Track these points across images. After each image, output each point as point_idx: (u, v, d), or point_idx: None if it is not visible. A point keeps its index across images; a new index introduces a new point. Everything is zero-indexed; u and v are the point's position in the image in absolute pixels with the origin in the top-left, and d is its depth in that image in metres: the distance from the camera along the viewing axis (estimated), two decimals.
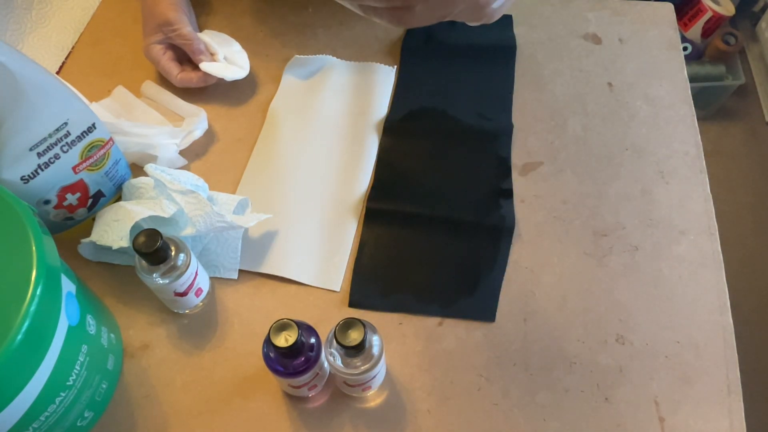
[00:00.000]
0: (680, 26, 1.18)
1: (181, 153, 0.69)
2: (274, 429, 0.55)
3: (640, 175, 0.68)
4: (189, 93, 0.73)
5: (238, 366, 0.58)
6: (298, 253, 0.63)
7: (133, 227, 0.56)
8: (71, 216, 0.60)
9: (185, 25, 0.70)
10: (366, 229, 0.65)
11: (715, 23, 1.62)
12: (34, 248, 0.44)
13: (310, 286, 0.62)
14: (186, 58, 0.73)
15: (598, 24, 0.81)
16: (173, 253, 0.53)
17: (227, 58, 0.73)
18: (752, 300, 1.40)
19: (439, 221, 0.65)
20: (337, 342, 0.46)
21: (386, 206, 0.66)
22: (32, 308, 0.42)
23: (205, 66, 0.70)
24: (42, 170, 0.54)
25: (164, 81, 0.74)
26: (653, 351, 0.58)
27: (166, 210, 0.57)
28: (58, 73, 0.76)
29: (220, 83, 0.72)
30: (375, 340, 0.50)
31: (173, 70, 0.71)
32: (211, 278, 0.62)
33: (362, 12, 0.47)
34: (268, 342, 0.49)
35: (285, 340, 0.47)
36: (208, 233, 0.60)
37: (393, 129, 0.71)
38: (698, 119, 0.73)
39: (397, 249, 0.64)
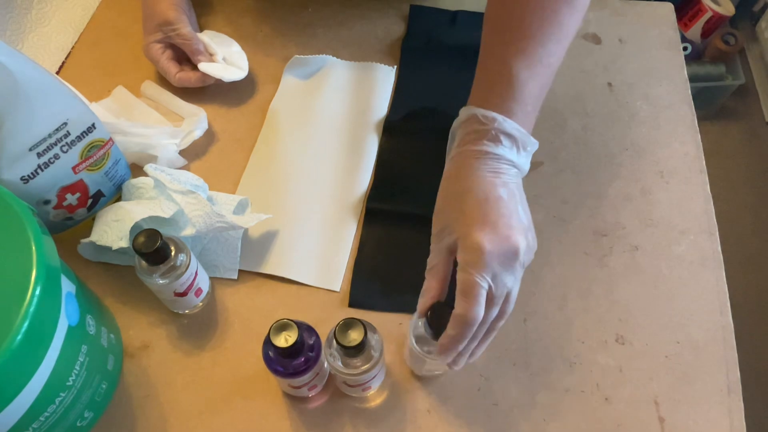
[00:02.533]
0: (680, 26, 1.18)
1: (181, 153, 0.69)
2: (274, 429, 0.55)
3: (640, 175, 0.68)
4: (189, 93, 0.73)
5: (238, 366, 0.58)
6: (298, 253, 0.63)
7: (133, 227, 0.56)
8: (71, 216, 0.60)
9: (185, 25, 0.70)
10: (366, 229, 0.65)
11: (715, 23, 1.62)
12: (34, 248, 0.44)
13: (310, 286, 0.62)
14: (185, 58, 0.73)
15: (598, 24, 0.81)
16: (173, 253, 0.53)
17: (226, 59, 0.73)
18: (752, 300, 1.40)
19: None
20: (337, 342, 0.46)
21: (386, 206, 0.66)
22: (32, 308, 0.42)
23: (204, 66, 0.70)
24: (42, 170, 0.54)
25: (164, 81, 0.74)
26: (653, 351, 0.58)
27: (165, 210, 0.57)
28: (58, 73, 0.76)
29: (220, 83, 0.72)
30: (375, 340, 0.50)
31: (172, 69, 0.71)
32: (211, 278, 0.62)
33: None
34: (268, 342, 0.49)
35: (285, 340, 0.47)
36: (208, 233, 0.60)
37: (393, 129, 0.71)
38: (698, 119, 0.73)
39: (397, 249, 0.64)
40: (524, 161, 0.53)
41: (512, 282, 0.49)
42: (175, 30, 0.70)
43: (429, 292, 0.51)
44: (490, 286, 0.48)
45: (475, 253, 0.47)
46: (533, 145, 0.53)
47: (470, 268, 0.47)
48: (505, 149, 0.51)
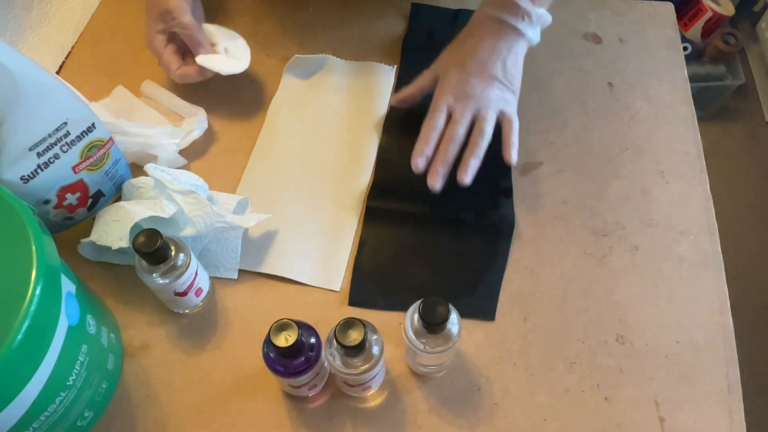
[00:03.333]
0: (680, 26, 1.18)
1: (181, 153, 0.69)
2: (274, 429, 0.55)
3: (640, 175, 0.68)
4: (189, 93, 0.73)
5: (238, 366, 0.58)
6: (298, 252, 0.63)
7: (133, 227, 0.56)
8: (71, 216, 0.60)
9: (185, 14, 0.68)
10: (366, 228, 0.65)
11: (715, 23, 1.62)
12: (34, 248, 0.44)
13: (310, 286, 0.62)
14: (189, 51, 0.71)
15: (598, 24, 0.81)
16: (173, 253, 0.53)
17: (228, 50, 0.71)
18: (752, 300, 1.40)
19: (439, 220, 0.65)
20: (337, 342, 0.46)
21: (386, 205, 0.66)
22: (32, 308, 0.42)
23: (201, 59, 0.68)
24: (42, 170, 0.54)
25: (164, 81, 0.74)
26: (653, 351, 0.58)
27: (165, 210, 0.57)
28: (58, 73, 0.76)
29: (221, 83, 0.72)
30: (375, 340, 0.50)
31: (173, 64, 0.69)
32: (211, 278, 0.62)
33: None
34: (268, 342, 0.49)
35: (285, 340, 0.47)
36: (208, 233, 0.60)
37: (393, 128, 0.71)
38: (698, 119, 0.73)
39: (397, 248, 0.64)
40: (527, 29, 0.64)
41: (468, 112, 0.64)
42: (176, 19, 0.68)
43: (403, 91, 0.71)
44: (451, 110, 0.65)
45: (443, 82, 0.66)
46: (538, 17, 0.65)
47: (437, 91, 0.66)
48: (508, 16, 0.64)
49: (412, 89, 0.70)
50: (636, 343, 0.59)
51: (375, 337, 0.50)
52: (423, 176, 0.68)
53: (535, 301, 0.61)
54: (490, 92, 0.64)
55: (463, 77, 0.65)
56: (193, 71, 0.69)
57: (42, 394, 0.45)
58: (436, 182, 0.63)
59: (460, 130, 0.64)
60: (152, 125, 0.68)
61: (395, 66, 0.77)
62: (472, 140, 0.64)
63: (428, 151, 0.63)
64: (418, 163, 0.63)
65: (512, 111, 0.66)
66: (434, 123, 0.64)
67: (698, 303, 0.61)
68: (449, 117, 0.65)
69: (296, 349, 0.47)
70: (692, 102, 0.74)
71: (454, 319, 0.49)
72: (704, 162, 0.69)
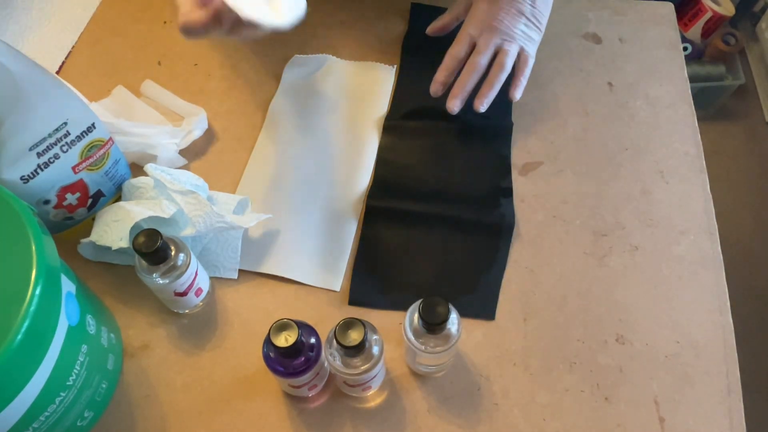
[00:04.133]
0: (680, 26, 1.18)
1: (181, 153, 0.69)
2: (274, 429, 0.55)
3: (640, 175, 0.68)
4: (189, 93, 0.73)
5: (238, 366, 0.58)
6: (298, 252, 0.63)
7: (133, 227, 0.56)
8: (71, 216, 0.60)
9: None
10: (366, 227, 0.65)
11: (715, 23, 1.62)
12: (34, 248, 0.44)
13: (310, 286, 0.62)
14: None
15: (598, 24, 0.81)
16: (173, 253, 0.53)
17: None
18: (752, 300, 1.40)
19: (439, 219, 0.65)
20: (337, 342, 0.46)
21: (386, 204, 0.66)
22: (32, 308, 0.42)
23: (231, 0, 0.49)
24: (42, 170, 0.54)
25: (164, 81, 0.74)
26: (653, 351, 0.58)
27: (165, 210, 0.57)
28: (58, 73, 0.76)
29: (220, 83, 0.72)
30: (375, 340, 0.50)
31: (185, 5, 0.51)
32: (211, 278, 0.62)
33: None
34: (268, 342, 0.49)
35: (285, 340, 0.47)
36: (208, 233, 0.60)
37: (393, 128, 0.71)
38: (698, 119, 0.73)
39: (397, 247, 0.64)
40: None
41: (492, 44, 0.67)
42: None
43: (439, 20, 0.75)
44: (475, 40, 0.67)
45: (472, 12, 0.68)
46: None
47: (465, 21, 0.69)
48: None
49: (447, 18, 0.74)
50: (636, 343, 0.59)
51: (375, 337, 0.50)
52: (423, 175, 0.68)
53: (535, 301, 0.61)
54: (516, 27, 0.67)
55: (492, 10, 0.67)
56: (201, 18, 0.50)
57: (42, 395, 0.45)
58: (454, 105, 0.67)
59: (482, 61, 0.66)
60: (152, 125, 0.68)
61: (395, 66, 0.77)
62: (491, 72, 0.67)
63: (447, 78, 0.67)
64: (437, 89, 0.67)
65: (532, 50, 0.69)
66: (456, 52, 0.68)
67: (698, 303, 0.61)
68: (473, 48, 0.68)
69: (296, 349, 0.47)
70: (692, 102, 0.74)
71: (454, 319, 0.49)
72: (704, 162, 0.69)
